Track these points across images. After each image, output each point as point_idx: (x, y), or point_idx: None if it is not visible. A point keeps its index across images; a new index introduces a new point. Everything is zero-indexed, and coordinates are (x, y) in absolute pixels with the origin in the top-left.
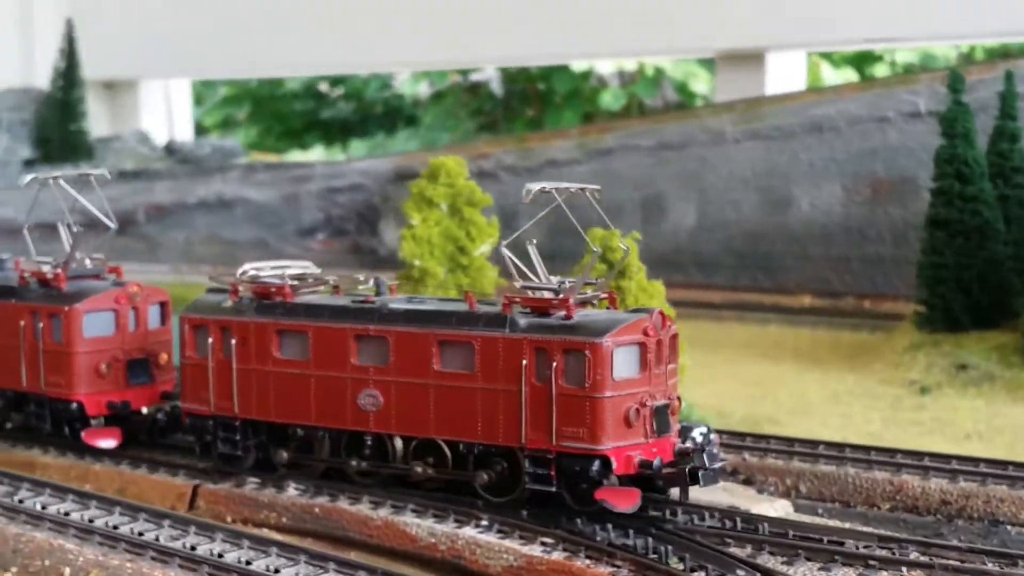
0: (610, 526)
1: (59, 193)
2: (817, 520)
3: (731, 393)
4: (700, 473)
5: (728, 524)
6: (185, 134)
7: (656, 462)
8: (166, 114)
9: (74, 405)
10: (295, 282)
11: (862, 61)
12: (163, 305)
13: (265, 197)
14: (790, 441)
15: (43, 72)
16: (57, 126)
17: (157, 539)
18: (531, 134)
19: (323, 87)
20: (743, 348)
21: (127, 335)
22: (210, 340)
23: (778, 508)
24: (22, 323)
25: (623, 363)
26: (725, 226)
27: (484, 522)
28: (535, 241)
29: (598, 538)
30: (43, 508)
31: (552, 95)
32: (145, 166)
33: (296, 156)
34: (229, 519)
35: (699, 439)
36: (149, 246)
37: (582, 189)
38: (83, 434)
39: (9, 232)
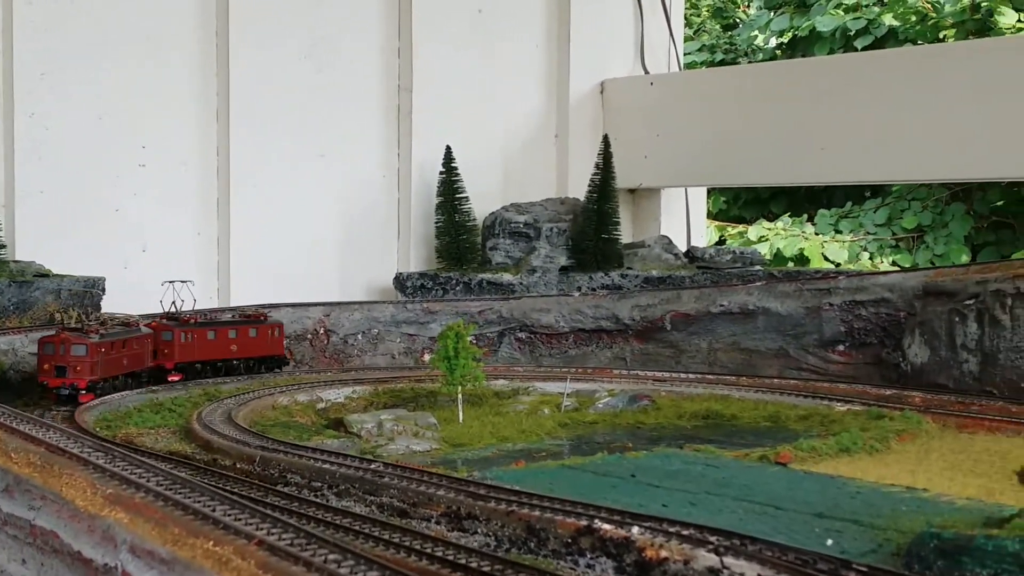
0: None
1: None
2: None
3: None
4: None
5: None
6: (700, 239)
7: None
8: (684, 220)
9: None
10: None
11: None
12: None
13: (787, 308)
14: None
15: (573, 183)
16: (592, 235)
17: None
18: None
19: None
20: None
21: None
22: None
23: None
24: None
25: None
26: None
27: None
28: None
29: None
30: None
31: None
32: (669, 272)
33: (763, 226)
34: None
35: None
36: (674, 352)
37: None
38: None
39: (550, 336)
